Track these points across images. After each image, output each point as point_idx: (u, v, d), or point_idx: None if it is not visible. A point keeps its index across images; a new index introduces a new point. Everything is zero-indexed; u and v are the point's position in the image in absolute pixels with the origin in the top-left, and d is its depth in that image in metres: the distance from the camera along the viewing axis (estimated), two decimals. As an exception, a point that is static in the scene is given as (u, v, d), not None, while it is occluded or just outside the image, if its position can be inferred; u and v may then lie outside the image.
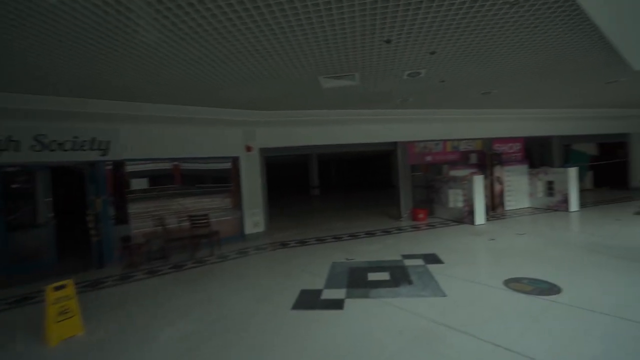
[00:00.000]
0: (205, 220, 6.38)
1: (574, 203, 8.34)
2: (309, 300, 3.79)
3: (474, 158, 9.48)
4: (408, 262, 4.97)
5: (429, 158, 9.22)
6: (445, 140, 9.28)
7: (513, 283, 3.86)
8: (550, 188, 8.94)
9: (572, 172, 8.39)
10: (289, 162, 23.42)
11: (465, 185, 7.68)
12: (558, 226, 6.98)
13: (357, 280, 4.35)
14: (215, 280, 4.78)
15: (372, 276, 4.49)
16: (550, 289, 3.62)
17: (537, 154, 10.93)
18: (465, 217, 7.75)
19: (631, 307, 3.08)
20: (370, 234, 7.32)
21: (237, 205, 7.66)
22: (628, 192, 11.07)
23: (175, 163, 7.13)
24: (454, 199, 8.22)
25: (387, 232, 7.42)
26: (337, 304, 3.63)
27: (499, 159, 9.32)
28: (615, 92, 7.40)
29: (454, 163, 9.30)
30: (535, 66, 4.97)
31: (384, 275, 4.47)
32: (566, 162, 10.48)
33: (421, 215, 8.53)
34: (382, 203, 12.53)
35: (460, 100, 7.36)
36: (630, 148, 11.57)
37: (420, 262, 4.96)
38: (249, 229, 7.67)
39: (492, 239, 6.07)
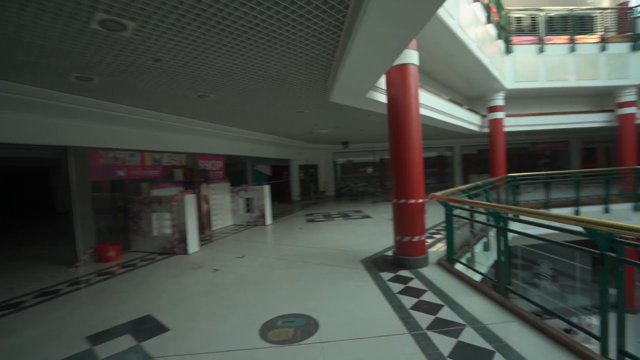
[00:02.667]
0: None
1: (269, 217, 9.23)
2: None
3: (179, 174, 8.21)
4: (104, 350, 2.81)
5: (121, 173, 6.86)
6: (143, 152, 7.33)
7: (271, 331, 2.97)
8: (249, 205, 9.45)
9: (267, 190, 9.30)
10: None
11: (175, 207, 6.24)
12: (265, 242, 7.22)
13: None
14: None
15: None
16: (308, 324, 3.07)
17: (235, 172, 11.50)
18: (176, 245, 6.28)
19: (379, 322, 3.08)
20: (11, 306, 4.01)
21: None
22: (291, 205, 14.24)
23: None
24: (160, 224, 6.51)
25: (51, 293, 4.39)
26: None
27: (206, 176, 8.70)
28: (294, 122, 9.00)
29: (155, 180, 7.53)
30: (257, 71, 4.60)
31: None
32: (255, 181, 11.77)
33: (112, 253, 6.04)
34: (43, 241, 8.18)
35: (171, 101, 5.90)
36: (291, 170, 15.10)
37: (129, 340, 2.95)
38: None
39: (216, 270, 5.06)
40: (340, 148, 15.92)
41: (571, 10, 11.10)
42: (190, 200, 6.32)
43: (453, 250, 4.54)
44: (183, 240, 6.21)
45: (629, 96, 11.13)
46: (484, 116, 11.14)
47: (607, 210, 10.16)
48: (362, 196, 15.77)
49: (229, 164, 10.68)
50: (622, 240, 2.17)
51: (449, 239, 4.58)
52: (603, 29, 11.35)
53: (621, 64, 10.81)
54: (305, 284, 4.25)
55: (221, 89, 5.32)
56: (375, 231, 7.49)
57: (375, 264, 4.87)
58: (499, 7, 9.09)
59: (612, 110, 11.62)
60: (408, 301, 3.48)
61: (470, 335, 2.74)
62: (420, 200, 4.64)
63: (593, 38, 10.86)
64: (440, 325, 2.92)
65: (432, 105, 7.52)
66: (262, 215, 9.13)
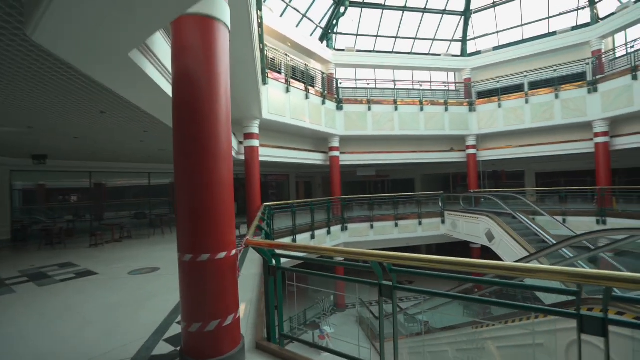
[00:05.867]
0: None
1: None
2: None
3: None
4: None
5: None
6: None
7: None
8: None
9: None
10: None
11: None
12: None
13: None
14: None
15: None
16: None
17: None
18: None
19: None
20: None
21: None
22: None
23: None
24: None
25: None
26: None
27: None
28: None
29: None
30: None
31: None
32: None
33: None
34: None
35: None
36: None
37: None
38: None
39: None
40: (29, 164, 10.03)
41: (306, 65, 13.21)
42: None
43: (282, 323, 2.99)
44: None
45: (335, 143, 14.53)
46: (240, 142, 10.60)
47: (329, 232, 12.30)
48: (69, 237, 10.59)
49: None
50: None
51: (277, 309, 3.00)
52: (322, 88, 14.34)
53: (332, 118, 13.95)
54: None
55: None
56: (116, 301, 4.49)
57: (146, 393, 2.39)
58: (261, 39, 8.98)
59: (326, 152, 14.70)
60: None
61: None
62: (234, 252, 2.80)
63: (317, 92, 13.37)
64: None
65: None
66: None
